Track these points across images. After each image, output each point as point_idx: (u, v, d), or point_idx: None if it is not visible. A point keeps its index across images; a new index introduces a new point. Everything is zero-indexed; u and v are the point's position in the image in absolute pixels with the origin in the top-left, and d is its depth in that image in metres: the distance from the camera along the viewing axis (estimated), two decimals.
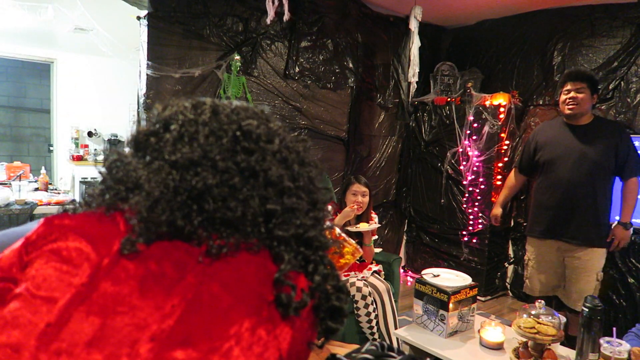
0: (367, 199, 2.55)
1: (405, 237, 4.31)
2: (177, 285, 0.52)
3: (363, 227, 2.44)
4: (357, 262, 2.54)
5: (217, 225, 0.56)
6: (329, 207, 2.51)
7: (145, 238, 0.53)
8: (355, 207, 2.46)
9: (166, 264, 0.54)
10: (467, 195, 3.69)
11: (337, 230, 1.08)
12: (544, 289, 2.48)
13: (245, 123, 0.60)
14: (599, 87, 2.47)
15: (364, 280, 2.40)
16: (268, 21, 2.73)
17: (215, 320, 0.51)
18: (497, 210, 2.83)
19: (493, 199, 3.58)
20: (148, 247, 0.54)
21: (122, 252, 0.52)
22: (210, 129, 0.59)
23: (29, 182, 3.76)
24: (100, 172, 0.61)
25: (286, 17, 2.78)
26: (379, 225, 2.62)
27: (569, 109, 2.31)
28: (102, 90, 5.41)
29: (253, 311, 0.53)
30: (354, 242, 1.09)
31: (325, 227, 0.66)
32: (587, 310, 1.55)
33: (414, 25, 3.30)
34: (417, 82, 3.55)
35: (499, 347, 1.75)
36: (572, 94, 2.30)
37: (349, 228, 2.42)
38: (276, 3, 2.66)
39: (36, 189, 3.65)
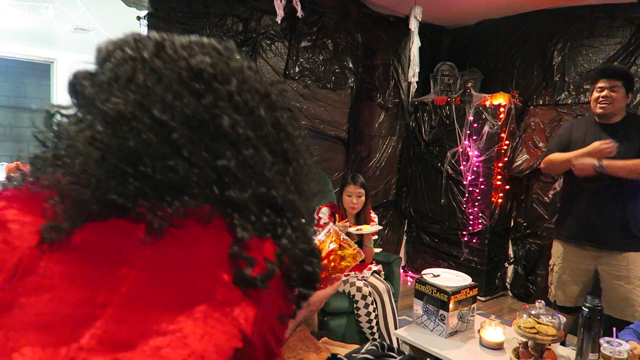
0: (362, 199, 2.55)
1: (405, 237, 4.31)
2: (110, 277, 0.44)
3: (365, 229, 2.44)
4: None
5: (158, 192, 0.47)
6: (325, 209, 2.48)
7: (71, 221, 0.45)
8: (348, 223, 2.44)
9: (98, 251, 0.46)
10: (467, 195, 3.69)
11: (341, 233, 1.07)
12: (567, 299, 2.32)
13: (196, 60, 0.49)
14: (634, 84, 2.25)
15: (364, 280, 2.40)
16: (278, 20, 2.73)
17: (157, 312, 0.44)
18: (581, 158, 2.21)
19: (493, 199, 3.58)
20: (76, 231, 0.45)
21: (45, 241, 0.44)
22: (151, 67, 0.48)
23: None
24: (35, 136, 0.50)
25: (299, 14, 2.77)
26: (381, 227, 2.62)
27: (601, 107, 2.14)
28: None
29: (204, 295, 0.45)
30: (355, 245, 1.09)
31: (293, 183, 0.55)
32: (587, 310, 1.55)
33: (414, 25, 3.30)
34: (417, 82, 3.55)
35: (499, 347, 1.75)
36: (605, 92, 2.12)
37: (351, 229, 2.42)
38: (283, 2, 2.65)
39: None
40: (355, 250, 1.04)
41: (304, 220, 0.57)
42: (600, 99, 2.15)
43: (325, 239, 1.01)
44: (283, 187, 0.53)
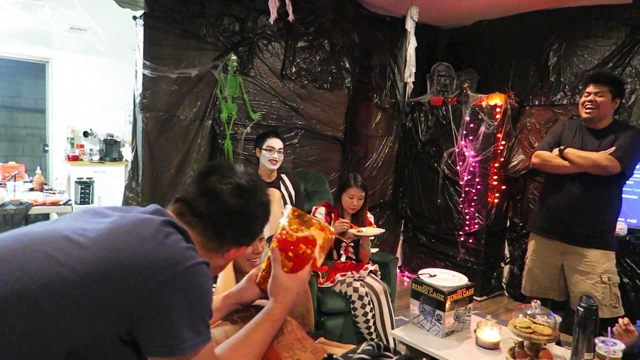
0: (362, 201, 2.56)
1: (401, 237, 4.31)
2: None
3: (368, 231, 2.44)
4: (354, 262, 2.54)
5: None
6: (321, 209, 2.52)
7: None
8: (347, 226, 2.43)
9: None
10: (463, 195, 3.70)
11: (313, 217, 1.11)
12: (535, 290, 2.44)
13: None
14: (624, 90, 2.32)
15: (361, 280, 2.40)
16: (271, 21, 2.73)
17: None
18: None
19: (489, 199, 3.59)
20: None
21: None
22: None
23: (24, 182, 3.74)
24: None
25: (291, 17, 2.77)
26: (383, 230, 2.61)
27: (586, 112, 2.24)
28: (98, 90, 5.38)
29: None
30: (326, 224, 1.11)
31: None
32: (582, 310, 1.56)
33: (410, 26, 3.30)
34: (413, 83, 3.55)
35: (495, 347, 1.76)
36: (591, 97, 2.22)
37: (352, 231, 2.42)
38: (278, 3, 2.65)
39: (31, 189, 3.63)
40: (327, 230, 1.08)
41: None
42: (586, 103, 2.24)
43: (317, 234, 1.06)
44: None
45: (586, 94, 2.26)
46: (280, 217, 1.11)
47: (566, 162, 2.26)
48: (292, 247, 1.03)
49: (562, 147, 2.28)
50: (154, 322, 0.73)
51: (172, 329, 0.74)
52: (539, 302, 1.74)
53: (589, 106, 2.23)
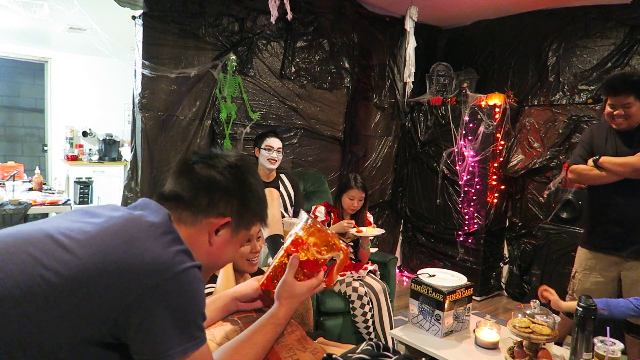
0: (362, 202, 2.56)
1: (401, 237, 4.32)
2: None
3: (369, 231, 2.44)
4: (353, 262, 2.54)
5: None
6: (321, 208, 2.53)
7: None
8: (352, 227, 2.42)
9: None
10: (462, 195, 3.71)
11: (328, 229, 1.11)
12: None
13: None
14: None
15: (360, 280, 2.40)
16: (272, 20, 2.72)
17: None
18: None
19: (488, 199, 3.59)
20: None
21: None
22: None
23: (23, 182, 3.74)
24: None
25: (289, 16, 2.77)
26: (383, 231, 2.60)
27: (615, 124, 2.07)
28: (97, 89, 5.38)
29: None
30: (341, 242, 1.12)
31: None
32: (581, 310, 1.56)
33: (409, 26, 3.31)
34: (412, 82, 3.55)
35: (494, 347, 1.76)
36: (617, 110, 2.03)
37: (352, 231, 2.42)
38: (277, 2, 2.64)
39: (30, 189, 3.62)
40: (341, 248, 1.09)
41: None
42: (614, 117, 2.06)
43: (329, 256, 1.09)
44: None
45: (610, 106, 2.06)
46: (280, 216, 1.12)
47: (604, 172, 2.10)
48: (310, 266, 1.06)
49: (595, 157, 2.13)
50: (140, 329, 0.72)
51: (160, 336, 0.73)
52: (537, 301, 1.74)
53: (618, 120, 2.06)
